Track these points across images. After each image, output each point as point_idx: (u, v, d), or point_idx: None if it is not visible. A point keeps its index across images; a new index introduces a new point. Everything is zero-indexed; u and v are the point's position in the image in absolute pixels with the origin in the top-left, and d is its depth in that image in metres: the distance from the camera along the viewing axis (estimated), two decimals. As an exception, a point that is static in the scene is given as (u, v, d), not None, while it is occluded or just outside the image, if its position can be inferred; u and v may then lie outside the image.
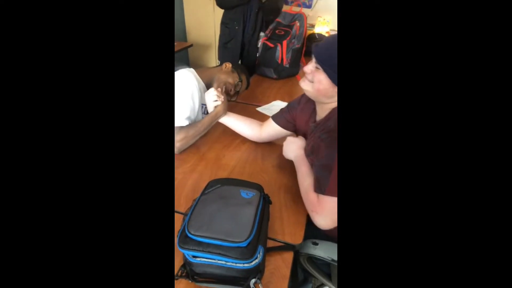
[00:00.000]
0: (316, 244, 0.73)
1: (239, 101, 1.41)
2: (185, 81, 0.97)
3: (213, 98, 1.01)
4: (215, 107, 1.01)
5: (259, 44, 1.69)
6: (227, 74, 1.14)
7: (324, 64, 0.69)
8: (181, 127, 0.95)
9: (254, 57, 1.74)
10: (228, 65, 1.17)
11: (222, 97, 1.02)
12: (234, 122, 1.05)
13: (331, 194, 0.64)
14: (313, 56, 0.72)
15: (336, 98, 0.73)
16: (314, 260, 0.73)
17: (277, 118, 0.98)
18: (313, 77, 0.72)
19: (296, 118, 0.94)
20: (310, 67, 0.73)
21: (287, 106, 0.98)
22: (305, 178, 0.76)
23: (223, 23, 1.79)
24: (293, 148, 0.87)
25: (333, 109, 0.74)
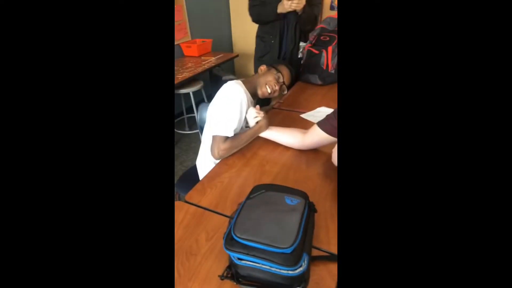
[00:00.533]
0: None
1: (283, 108, 1.42)
2: (236, 94, 1.03)
3: (254, 115, 1.06)
4: (257, 123, 1.07)
5: (300, 55, 1.67)
6: (265, 75, 1.16)
7: None
8: (227, 137, 1.00)
9: (297, 68, 1.72)
10: (263, 67, 1.20)
11: (262, 113, 1.07)
12: (276, 134, 1.08)
13: None
14: None
15: None
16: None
17: (323, 124, 0.96)
18: None
19: None
20: None
21: (333, 113, 0.95)
22: None
23: (258, 37, 1.79)
24: None
25: None
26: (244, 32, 3.21)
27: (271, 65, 1.19)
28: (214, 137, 1.01)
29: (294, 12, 1.53)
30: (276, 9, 1.51)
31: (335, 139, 0.96)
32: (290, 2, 1.42)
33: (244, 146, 1.06)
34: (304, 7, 1.49)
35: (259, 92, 1.16)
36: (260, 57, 1.85)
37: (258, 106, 1.11)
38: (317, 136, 0.99)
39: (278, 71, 1.16)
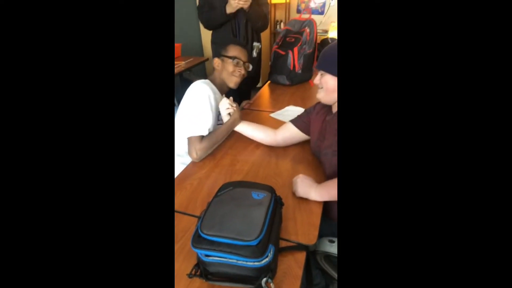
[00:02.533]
0: (332, 241, 0.72)
1: (253, 108, 1.44)
2: (202, 92, 1.02)
3: (226, 106, 1.05)
4: (228, 114, 1.06)
5: (254, 54, 1.69)
6: (224, 67, 1.14)
7: (324, 67, 0.83)
8: (203, 136, 0.99)
9: (255, 68, 1.74)
10: (216, 62, 1.16)
11: (235, 105, 1.07)
12: (248, 129, 1.08)
13: None
14: (317, 69, 0.87)
15: None
16: (331, 259, 0.72)
17: (295, 121, 1.03)
18: (321, 83, 0.85)
19: (311, 120, 0.99)
20: (318, 78, 0.86)
21: (304, 111, 1.04)
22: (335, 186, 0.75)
23: (214, 43, 1.79)
24: (307, 183, 0.81)
25: None
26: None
27: (222, 55, 1.15)
28: (189, 139, 0.99)
29: (242, 10, 1.55)
30: (225, 10, 1.54)
31: (306, 137, 1.01)
32: (237, 0, 1.45)
33: (220, 143, 1.05)
34: (251, 4, 1.52)
35: (231, 85, 1.15)
36: None
37: (231, 98, 1.08)
38: (288, 132, 1.03)
39: (231, 57, 1.14)
